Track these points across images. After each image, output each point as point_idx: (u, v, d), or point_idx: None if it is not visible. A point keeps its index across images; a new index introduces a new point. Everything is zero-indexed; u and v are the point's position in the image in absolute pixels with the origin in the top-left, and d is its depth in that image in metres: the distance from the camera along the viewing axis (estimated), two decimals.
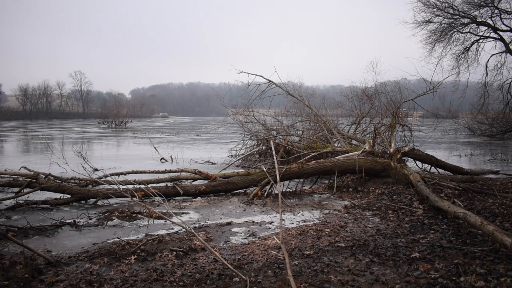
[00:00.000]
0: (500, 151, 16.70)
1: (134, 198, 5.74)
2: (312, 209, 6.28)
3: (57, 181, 7.25)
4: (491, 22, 22.57)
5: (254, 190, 7.36)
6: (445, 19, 22.86)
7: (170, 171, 8.71)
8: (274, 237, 4.71)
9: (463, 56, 23.72)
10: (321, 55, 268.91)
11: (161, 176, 8.45)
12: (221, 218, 5.81)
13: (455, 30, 23.14)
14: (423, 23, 23.10)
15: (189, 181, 8.30)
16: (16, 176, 7.20)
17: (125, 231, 5.19)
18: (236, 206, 6.62)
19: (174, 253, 4.06)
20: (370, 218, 5.53)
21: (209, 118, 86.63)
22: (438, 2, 22.41)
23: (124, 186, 7.03)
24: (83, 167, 8.88)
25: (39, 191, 7.01)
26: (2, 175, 7.29)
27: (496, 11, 21.92)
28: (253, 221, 5.59)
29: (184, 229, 4.98)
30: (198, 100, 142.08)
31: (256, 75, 11.71)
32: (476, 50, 23.71)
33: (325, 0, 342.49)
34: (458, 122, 26.87)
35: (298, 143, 11.91)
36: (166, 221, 5.51)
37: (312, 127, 13.26)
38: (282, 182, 8.10)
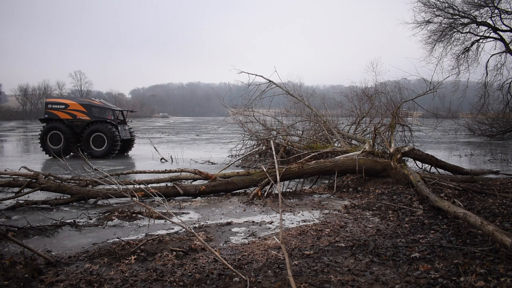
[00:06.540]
0: (500, 151, 16.70)
1: (134, 198, 5.74)
2: (312, 209, 6.28)
3: (57, 181, 7.25)
4: (491, 22, 22.59)
5: (254, 190, 7.36)
6: (445, 19, 22.89)
7: (170, 171, 8.71)
8: (274, 237, 4.71)
9: (463, 56, 23.75)
10: (322, 55, 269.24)
11: (161, 176, 8.44)
12: (221, 218, 5.81)
13: (455, 30, 23.16)
14: (423, 23, 23.13)
15: (189, 181, 8.29)
16: (16, 176, 7.21)
17: (125, 231, 5.19)
18: (236, 206, 6.62)
19: (174, 253, 4.06)
20: (370, 218, 5.53)
21: (209, 118, 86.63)
22: (438, 2, 22.43)
23: (124, 186, 7.03)
24: (83, 167, 8.88)
25: (39, 191, 7.02)
26: (2, 175, 7.29)
27: (496, 11, 21.95)
28: (253, 221, 5.59)
29: (184, 229, 4.98)
30: (198, 100, 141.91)
31: (256, 75, 11.73)
32: (476, 50, 23.74)
33: (328, 1, 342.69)
34: (458, 122, 26.84)
35: (298, 143, 11.90)
36: (166, 221, 5.51)
37: (312, 127, 13.25)
38: (282, 182, 8.10)
